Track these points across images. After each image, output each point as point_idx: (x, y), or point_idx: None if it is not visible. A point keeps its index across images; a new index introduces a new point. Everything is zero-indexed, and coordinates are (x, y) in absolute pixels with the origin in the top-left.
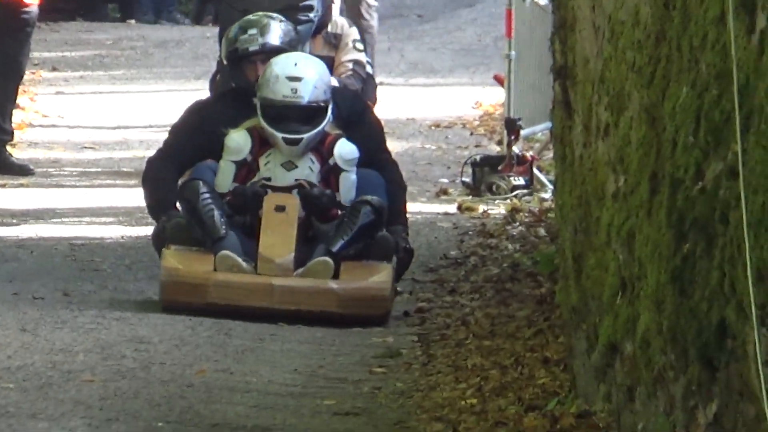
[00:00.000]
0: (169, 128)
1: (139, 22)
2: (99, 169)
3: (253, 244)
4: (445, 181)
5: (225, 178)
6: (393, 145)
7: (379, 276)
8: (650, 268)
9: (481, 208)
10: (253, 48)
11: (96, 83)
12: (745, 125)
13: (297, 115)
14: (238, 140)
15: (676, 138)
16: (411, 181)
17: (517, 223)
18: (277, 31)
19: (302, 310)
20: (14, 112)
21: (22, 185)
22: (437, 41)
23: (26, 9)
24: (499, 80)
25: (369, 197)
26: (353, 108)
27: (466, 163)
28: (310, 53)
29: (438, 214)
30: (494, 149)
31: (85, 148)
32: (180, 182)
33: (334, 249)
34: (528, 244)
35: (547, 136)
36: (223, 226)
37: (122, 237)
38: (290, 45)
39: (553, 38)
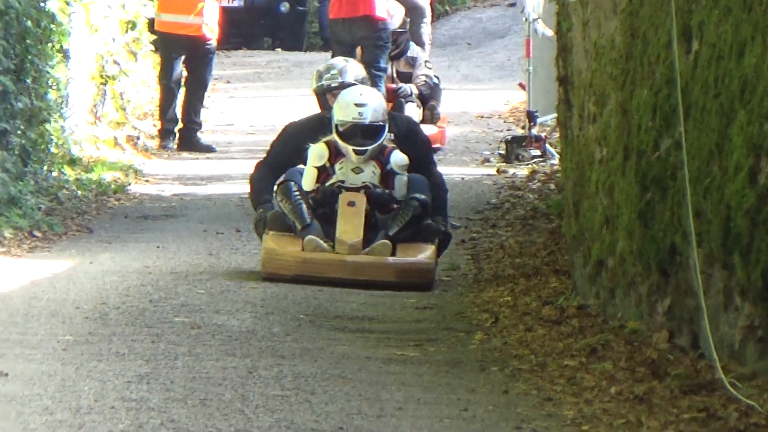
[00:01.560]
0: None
1: (284, 50)
2: (258, 147)
3: (331, 230)
4: (487, 153)
5: (310, 179)
6: (452, 130)
7: (425, 254)
8: (624, 210)
9: (512, 170)
10: (334, 84)
11: (255, 91)
12: (686, 114)
13: (362, 132)
14: (319, 151)
15: (640, 123)
16: (465, 153)
17: (536, 181)
18: (351, 71)
19: (368, 280)
20: (202, 110)
21: (208, 158)
22: (480, 60)
23: (208, 42)
24: (521, 86)
25: (417, 194)
26: (407, 128)
27: (501, 141)
28: (396, 70)
29: (483, 175)
30: (519, 132)
31: (249, 133)
32: (277, 183)
33: (391, 233)
34: (543, 195)
35: (554, 123)
36: (309, 217)
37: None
38: (361, 82)
39: (557, 58)
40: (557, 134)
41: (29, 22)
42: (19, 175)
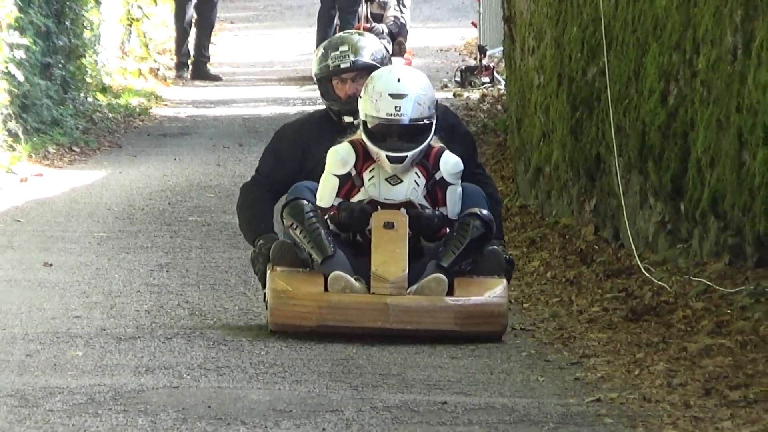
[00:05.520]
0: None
1: None
2: (257, 77)
3: (360, 262)
4: (446, 80)
5: (327, 192)
6: (417, 61)
7: (495, 291)
8: (558, 126)
9: (466, 94)
10: (344, 65)
11: (254, 30)
12: (609, 47)
13: (400, 133)
14: (342, 154)
15: (571, 54)
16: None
17: (485, 103)
18: (368, 48)
19: (418, 330)
20: (210, 46)
21: (216, 86)
22: (440, 3)
23: None
24: (474, 25)
25: (477, 210)
26: (445, 121)
27: (457, 70)
28: (370, 12)
29: (442, 98)
30: (472, 62)
31: (250, 65)
32: (282, 203)
33: (446, 264)
34: (492, 114)
35: (500, 55)
36: (331, 245)
37: (272, 114)
38: (381, 62)
39: (503, 1)
40: (503, 64)
41: None
42: (60, 101)
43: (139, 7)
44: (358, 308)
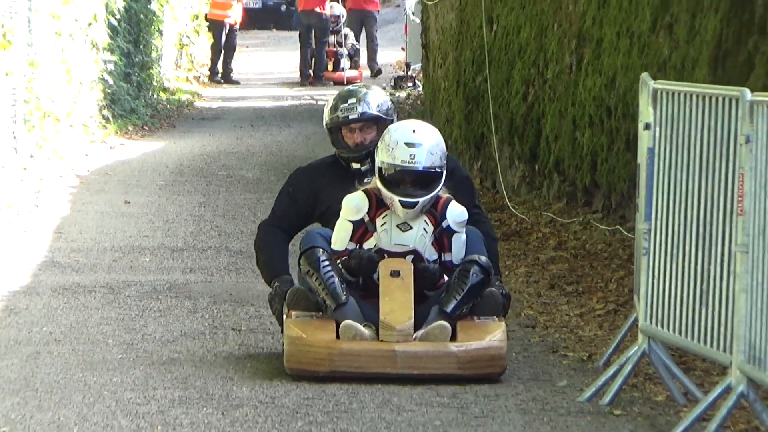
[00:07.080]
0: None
1: (278, 30)
2: (263, 82)
3: (369, 304)
4: (385, 84)
5: (342, 236)
6: (365, 73)
7: (495, 335)
8: (456, 114)
9: (398, 94)
10: (352, 116)
11: (261, 52)
12: (490, 64)
13: (413, 180)
14: (357, 201)
15: (465, 68)
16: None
17: (410, 99)
18: (374, 100)
19: (423, 374)
20: (233, 62)
21: (237, 87)
22: (380, 36)
23: (236, 26)
24: (403, 49)
25: (476, 257)
26: (446, 165)
27: (392, 78)
28: (336, 40)
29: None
30: (401, 73)
31: (258, 74)
32: (301, 249)
33: (449, 310)
34: (414, 107)
35: (420, 68)
36: (344, 293)
37: (272, 106)
38: (386, 114)
39: (422, 33)
40: (422, 75)
41: (142, 15)
42: (136, 97)
43: (188, 37)
44: (367, 355)
